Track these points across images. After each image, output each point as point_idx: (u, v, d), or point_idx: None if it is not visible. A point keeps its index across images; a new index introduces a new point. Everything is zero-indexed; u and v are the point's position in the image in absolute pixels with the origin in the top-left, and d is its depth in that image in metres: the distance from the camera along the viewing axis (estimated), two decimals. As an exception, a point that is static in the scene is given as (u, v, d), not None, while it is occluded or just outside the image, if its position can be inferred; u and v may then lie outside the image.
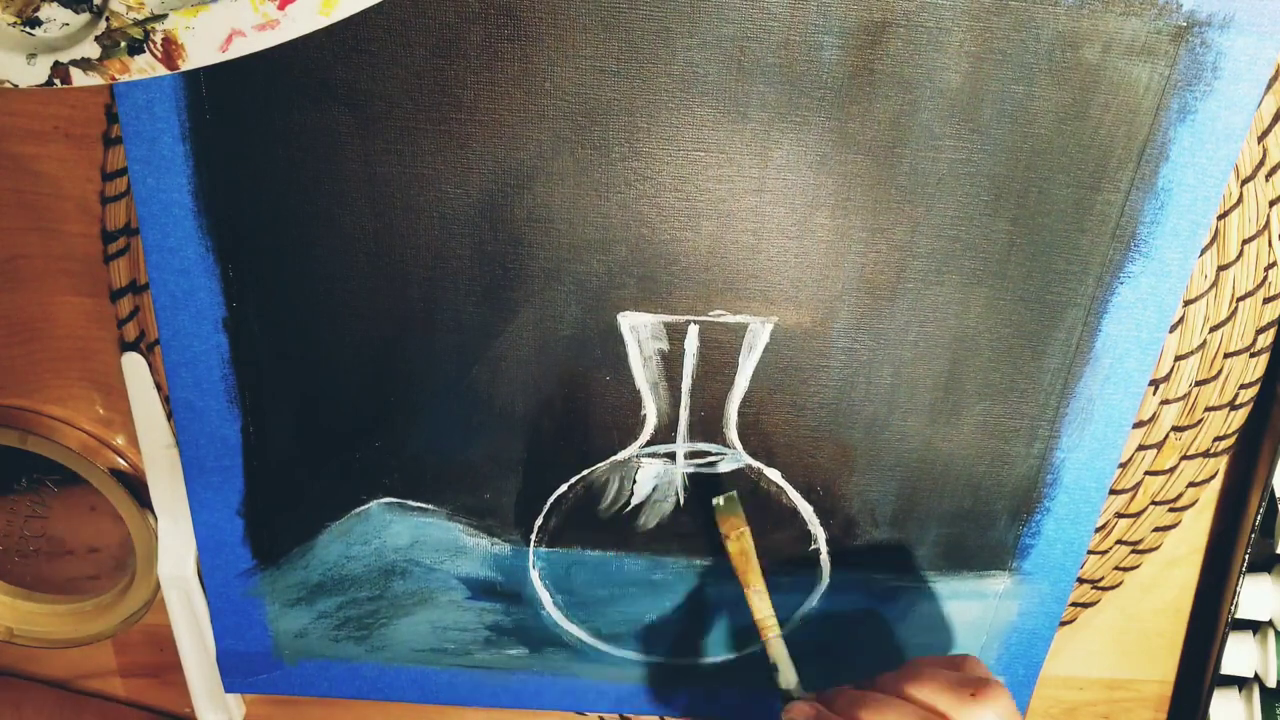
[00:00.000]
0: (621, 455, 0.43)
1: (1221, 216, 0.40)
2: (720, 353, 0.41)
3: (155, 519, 0.46)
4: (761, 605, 0.42)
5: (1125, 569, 0.49)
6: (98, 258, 0.41)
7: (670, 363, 0.41)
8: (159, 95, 0.36)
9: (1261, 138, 0.39)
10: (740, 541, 0.42)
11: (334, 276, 0.40)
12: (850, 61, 0.35)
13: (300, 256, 0.39)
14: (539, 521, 0.45)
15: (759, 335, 0.41)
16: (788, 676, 0.41)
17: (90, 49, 0.30)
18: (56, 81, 0.31)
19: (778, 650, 0.41)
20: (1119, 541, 0.48)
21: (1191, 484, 0.46)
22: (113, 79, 0.31)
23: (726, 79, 0.36)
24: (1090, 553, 0.48)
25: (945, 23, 0.35)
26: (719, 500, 0.43)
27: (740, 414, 0.42)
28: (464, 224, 0.38)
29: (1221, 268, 0.41)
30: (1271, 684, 0.48)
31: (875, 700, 0.36)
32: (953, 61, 0.35)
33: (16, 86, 0.31)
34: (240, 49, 0.30)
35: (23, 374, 0.44)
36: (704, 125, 0.36)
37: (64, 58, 0.30)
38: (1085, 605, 0.50)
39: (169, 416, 0.44)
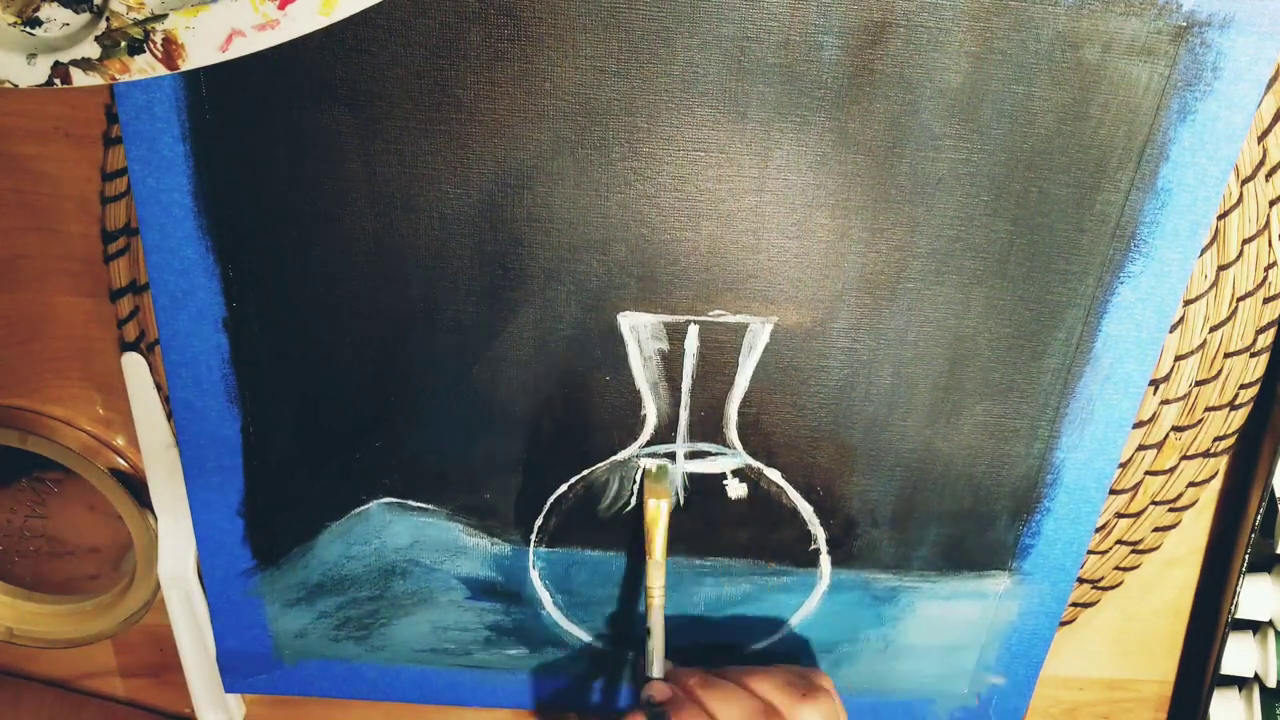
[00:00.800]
0: (621, 455, 0.43)
1: (1222, 216, 0.40)
2: (720, 353, 0.41)
3: (155, 519, 0.46)
4: (656, 576, 0.43)
5: (1125, 569, 0.49)
6: (98, 258, 0.41)
7: (670, 363, 0.41)
8: (159, 95, 0.36)
9: (1261, 138, 0.39)
10: (655, 511, 0.43)
11: (334, 276, 0.40)
12: (850, 61, 0.35)
13: (300, 256, 0.39)
14: (539, 521, 0.45)
15: (759, 335, 0.41)
16: (656, 663, 0.43)
17: (90, 49, 0.30)
18: (56, 81, 0.31)
19: (657, 620, 0.43)
20: (1119, 541, 0.48)
21: (1191, 484, 0.46)
22: (113, 79, 0.31)
23: (726, 79, 0.36)
24: (1090, 553, 0.48)
25: (945, 23, 0.35)
26: (650, 467, 0.43)
27: (740, 414, 0.42)
28: (464, 224, 0.38)
29: (1222, 268, 0.41)
30: (1271, 684, 0.48)
31: (720, 686, 0.40)
32: (953, 62, 0.35)
33: (16, 86, 0.31)
34: (240, 49, 0.30)
35: (23, 374, 0.44)
36: (704, 125, 0.36)
37: (64, 58, 0.30)
38: (1085, 605, 0.50)
39: (169, 416, 0.44)
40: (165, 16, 0.29)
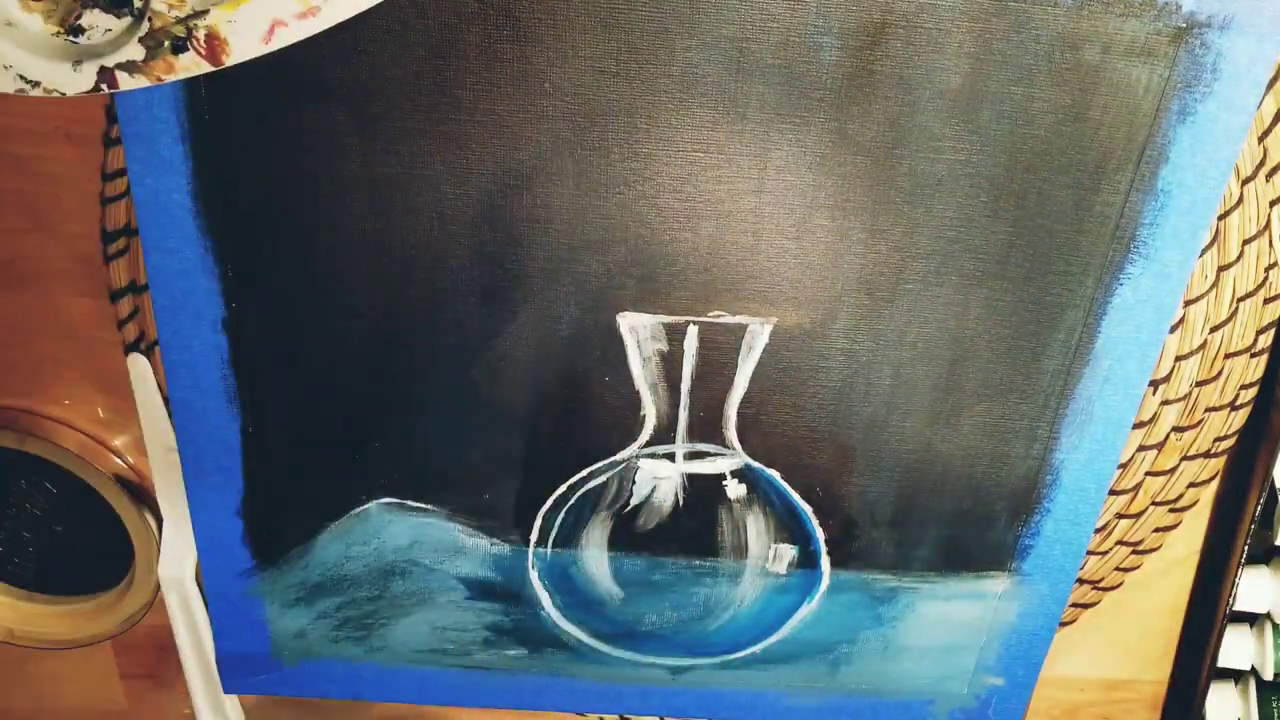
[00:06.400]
0: (621, 456, 0.43)
1: (1222, 217, 0.40)
2: (719, 353, 0.41)
3: (156, 520, 0.46)
4: None
5: (1125, 570, 0.49)
6: (98, 258, 0.41)
7: (669, 363, 0.41)
8: (158, 95, 0.36)
9: (1262, 138, 0.39)
10: None
11: (333, 276, 0.40)
12: (849, 62, 0.35)
13: (300, 257, 0.39)
14: (538, 522, 0.45)
15: (758, 336, 0.40)
16: None
17: (135, 51, 0.30)
18: (103, 87, 0.30)
19: None
20: (1119, 542, 0.48)
21: (1192, 484, 0.46)
22: (159, 80, 0.30)
23: (725, 80, 0.36)
24: (1090, 553, 0.48)
25: (944, 24, 0.35)
26: None
27: (739, 414, 0.42)
28: (463, 224, 0.38)
29: (1222, 268, 0.41)
30: (1268, 677, 0.48)
31: None
32: (952, 63, 0.35)
33: (64, 95, 0.31)
34: (283, 39, 0.30)
35: (23, 374, 0.44)
36: (703, 126, 0.36)
37: (109, 62, 0.30)
38: (1085, 606, 0.50)
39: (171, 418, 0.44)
40: (207, 12, 0.29)
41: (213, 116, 0.36)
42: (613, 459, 0.44)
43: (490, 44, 0.35)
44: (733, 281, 0.39)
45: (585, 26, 0.35)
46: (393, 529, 0.45)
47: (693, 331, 0.40)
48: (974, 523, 0.45)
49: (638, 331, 0.40)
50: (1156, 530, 0.47)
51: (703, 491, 0.44)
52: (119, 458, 0.46)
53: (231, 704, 0.52)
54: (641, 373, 0.41)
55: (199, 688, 0.51)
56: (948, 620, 0.48)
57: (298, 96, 0.36)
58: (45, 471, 0.46)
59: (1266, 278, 0.41)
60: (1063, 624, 0.50)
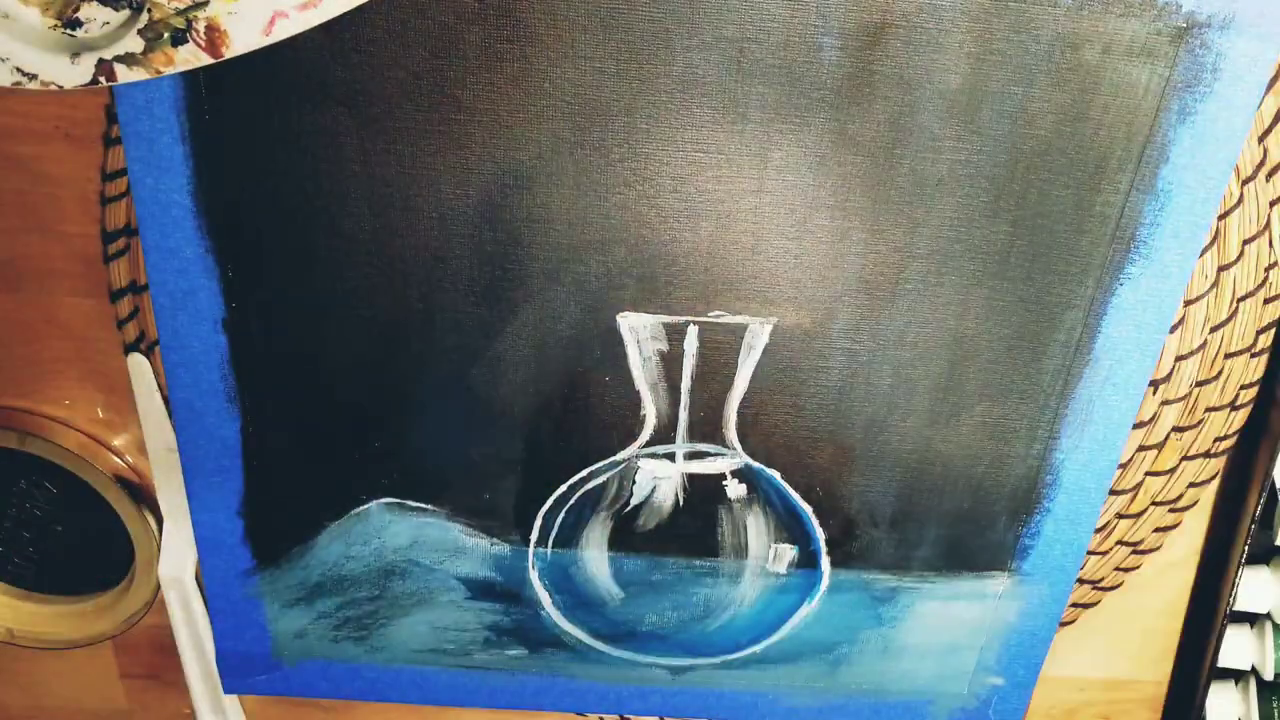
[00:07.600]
0: (621, 456, 0.43)
1: (1222, 217, 0.40)
2: (719, 353, 0.41)
3: (156, 520, 0.46)
4: None
5: (1125, 569, 0.49)
6: (98, 258, 0.41)
7: (669, 363, 0.41)
8: (158, 95, 0.36)
9: (1262, 138, 0.39)
10: None
11: (334, 276, 0.40)
12: (849, 63, 0.35)
13: (300, 257, 0.39)
14: (538, 522, 0.45)
15: (758, 336, 0.40)
16: None
17: (134, 43, 0.30)
18: (101, 79, 0.30)
19: None
20: (1119, 542, 0.48)
21: (1192, 484, 0.46)
22: (158, 72, 0.30)
23: (726, 80, 0.36)
24: (1090, 553, 0.48)
25: (945, 24, 0.35)
26: None
27: (739, 414, 0.42)
28: (463, 224, 0.38)
29: (1222, 268, 0.41)
30: (1269, 677, 0.48)
31: None
32: (952, 63, 0.35)
33: (62, 88, 0.30)
34: (283, 31, 0.29)
35: (23, 374, 0.44)
36: (703, 126, 0.36)
37: (107, 54, 0.30)
38: (1085, 606, 0.50)
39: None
40: (207, 3, 0.29)
41: (213, 116, 0.36)
42: (613, 459, 0.44)
43: (490, 44, 0.35)
44: (733, 281, 0.39)
45: (585, 26, 0.35)
46: (393, 529, 0.45)
47: (693, 331, 0.40)
48: (974, 523, 0.45)
49: (638, 331, 0.40)
50: (1156, 530, 0.47)
51: (703, 491, 0.44)
52: (119, 458, 0.46)
53: (231, 704, 0.52)
54: (641, 373, 0.41)
55: (199, 688, 0.51)
56: (948, 620, 0.48)
57: (297, 97, 0.36)
58: (45, 471, 0.46)
59: (1266, 278, 0.41)
60: (1063, 624, 0.50)
